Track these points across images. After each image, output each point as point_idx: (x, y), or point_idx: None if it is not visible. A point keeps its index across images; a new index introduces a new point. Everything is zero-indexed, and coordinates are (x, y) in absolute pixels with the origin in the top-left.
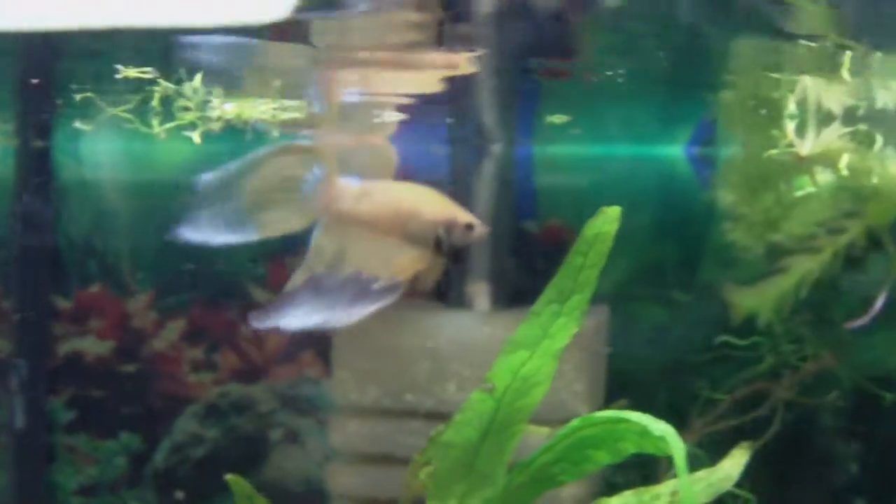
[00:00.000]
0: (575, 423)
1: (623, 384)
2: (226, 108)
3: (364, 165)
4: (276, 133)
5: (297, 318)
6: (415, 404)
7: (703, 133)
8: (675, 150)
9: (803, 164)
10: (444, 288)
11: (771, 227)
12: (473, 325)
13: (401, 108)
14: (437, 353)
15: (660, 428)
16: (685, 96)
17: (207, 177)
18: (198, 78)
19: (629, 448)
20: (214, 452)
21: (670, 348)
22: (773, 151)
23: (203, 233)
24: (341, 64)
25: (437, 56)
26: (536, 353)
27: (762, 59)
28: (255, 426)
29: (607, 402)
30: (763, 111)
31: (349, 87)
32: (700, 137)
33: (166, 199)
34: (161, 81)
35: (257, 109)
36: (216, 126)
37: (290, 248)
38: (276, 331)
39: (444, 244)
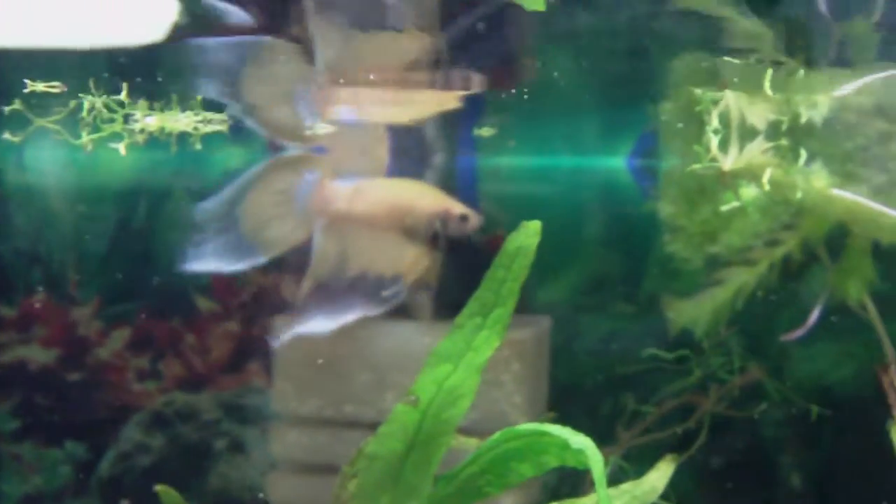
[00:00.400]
0: (498, 435)
1: (567, 395)
2: (147, 121)
3: (355, 166)
4: (198, 146)
5: (317, 325)
6: (355, 415)
7: (644, 145)
8: (618, 162)
9: (725, 179)
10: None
11: (709, 238)
12: (414, 335)
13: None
14: (377, 363)
15: (579, 441)
16: (627, 108)
17: (204, 206)
18: (123, 91)
19: (552, 461)
20: (159, 461)
21: (614, 359)
22: (696, 166)
23: (210, 263)
24: (340, 80)
25: (432, 94)
26: (460, 366)
27: (696, 73)
28: (200, 435)
29: (550, 413)
30: (696, 124)
31: (343, 106)
32: (642, 149)
33: (110, 207)
34: (90, 94)
35: (180, 122)
36: (140, 138)
37: None
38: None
39: (440, 236)
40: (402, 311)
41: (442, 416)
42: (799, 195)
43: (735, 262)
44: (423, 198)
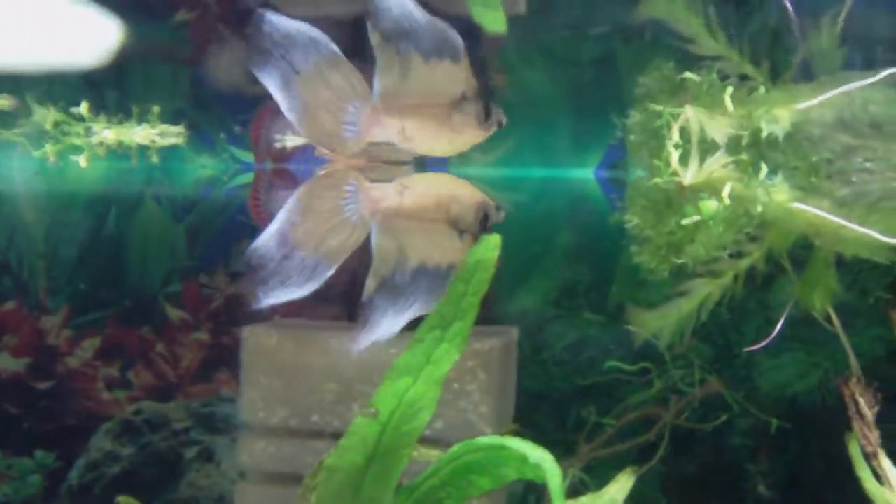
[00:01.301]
0: (457, 448)
1: (535, 405)
2: (105, 135)
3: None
4: (155, 158)
5: (388, 324)
6: (321, 425)
7: (613, 156)
8: (587, 173)
9: (685, 193)
10: (353, 307)
11: (675, 250)
12: (381, 346)
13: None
14: (344, 373)
15: (537, 455)
16: (596, 119)
17: (254, 248)
18: (84, 105)
19: (511, 474)
20: (129, 470)
21: (582, 369)
22: (657, 180)
23: (282, 294)
24: (391, 108)
25: (472, 130)
26: (420, 379)
27: (664, 87)
28: (170, 444)
29: (517, 423)
30: (660, 138)
31: (388, 131)
32: (610, 160)
33: (81, 215)
34: (48, 107)
35: (137, 135)
36: (100, 151)
37: (203, 266)
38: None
39: (489, 222)
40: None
41: (402, 429)
42: (759, 209)
43: (701, 273)
44: (464, 188)
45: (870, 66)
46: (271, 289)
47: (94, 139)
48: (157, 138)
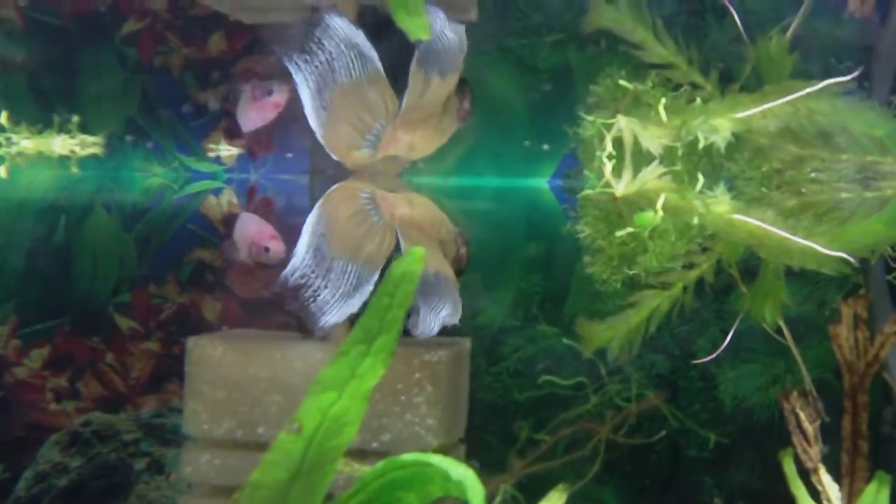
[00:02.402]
0: (382, 464)
1: (488, 418)
2: (24, 144)
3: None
4: (74, 168)
5: (428, 323)
6: (267, 437)
7: (567, 165)
8: (541, 182)
9: (618, 205)
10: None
11: (627, 261)
12: (327, 357)
13: (264, 140)
14: (290, 384)
15: (459, 472)
16: (552, 128)
17: (293, 267)
18: (3, 115)
19: (437, 491)
20: (78, 482)
21: (535, 380)
22: (588, 191)
23: (339, 309)
24: (406, 124)
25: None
26: (345, 393)
27: (614, 95)
28: (119, 456)
29: (470, 435)
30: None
31: (399, 144)
32: (565, 169)
33: (29, 224)
34: None
35: (56, 145)
36: (21, 161)
37: (153, 275)
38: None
39: (461, 252)
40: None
41: (327, 445)
42: (696, 220)
43: (653, 284)
44: (443, 215)
45: (827, 76)
46: (325, 305)
47: (14, 149)
48: (77, 148)
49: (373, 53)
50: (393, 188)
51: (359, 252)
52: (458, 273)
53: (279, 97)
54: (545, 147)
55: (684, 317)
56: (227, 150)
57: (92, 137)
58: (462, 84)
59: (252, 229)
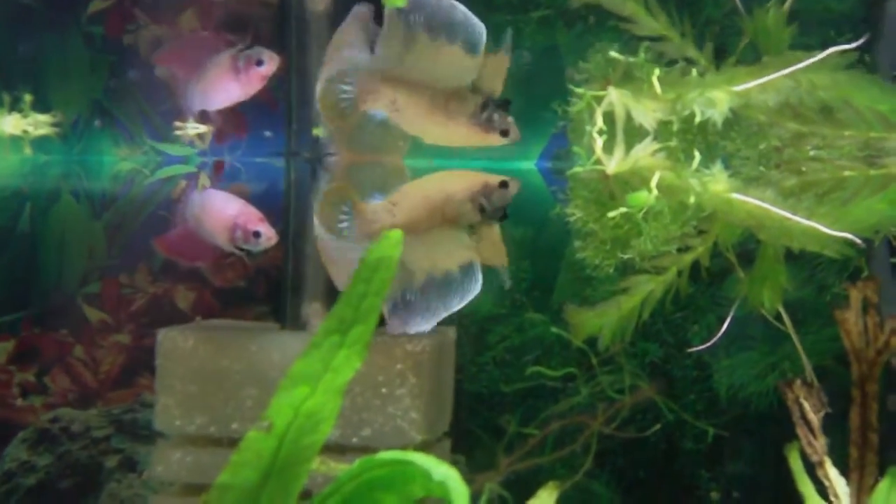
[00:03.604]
0: (359, 464)
1: (474, 410)
2: None
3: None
4: (28, 150)
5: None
6: (242, 433)
7: (556, 145)
8: (529, 164)
9: (609, 184)
10: (279, 306)
11: (621, 244)
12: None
13: (239, 120)
14: (266, 377)
15: (441, 472)
16: (540, 107)
17: None
18: None
19: (418, 491)
20: (46, 481)
21: (523, 371)
22: (577, 169)
23: None
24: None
25: (473, 130)
26: (319, 388)
27: (605, 71)
28: (90, 453)
29: (456, 428)
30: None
31: (381, 105)
32: (553, 150)
33: None
34: None
35: (7, 124)
36: None
37: (123, 264)
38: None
39: (487, 210)
40: (296, 322)
41: (301, 443)
42: (692, 200)
43: (646, 269)
44: (455, 182)
45: (826, 48)
46: None
47: None
48: (30, 128)
49: None
50: (393, 174)
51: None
52: (502, 218)
53: (269, 66)
54: (533, 127)
55: (679, 303)
56: (194, 129)
57: (44, 116)
58: (500, 100)
59: (232, 210)
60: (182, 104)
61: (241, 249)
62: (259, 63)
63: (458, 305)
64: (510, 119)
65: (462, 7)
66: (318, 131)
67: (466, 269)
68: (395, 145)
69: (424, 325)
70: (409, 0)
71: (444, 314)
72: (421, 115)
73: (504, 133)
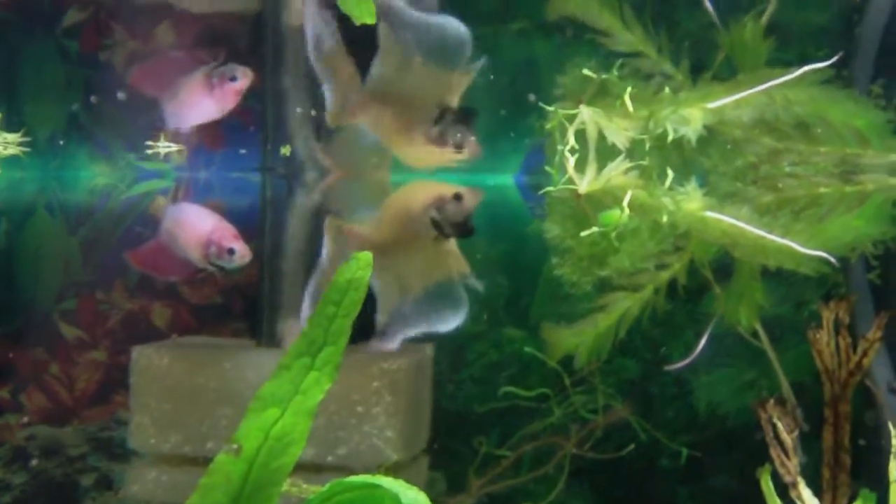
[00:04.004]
0: (328, 487)
1: (452, 427)
2: None
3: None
4: None
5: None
6: (217, 452)
7: (533, 160)
8: (506, 179)
9: (581, 203)
10: (256, 322)
11: (598, 261)
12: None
13: (215, 135)
14: (241, 395)
15: (410, 496)
16: (518, 121)
17: None
18: None
19: None
20: (22, 500)
21: (502, 387)
22: (550, 189)
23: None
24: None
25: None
26: (288, 410)
27: (582, 86)
28: (65, 471)
29: (434, 444)
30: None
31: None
32: (530, 165)
33: None
34: None
35: None
36: None
37: (100, 280)
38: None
39: (441, 224)
40: (272, 340)
41: (271, 466)
42: (665, 219)
43: (623, 286)
44: (413, 194)
45: (805, 63)
46: None
47: None
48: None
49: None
50: (378, 189)
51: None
52: (464, 234)
53: (243, 82)
54: (511, 141)
55: (657, 320)
56: (166, 147)
57: (12, 136)
58: (463, 114)
59: (206, 226)
60: (156, 122)
61: (215, 265)
62: (233, 79)
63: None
64: (468, 134)
65: (453, 21)
66: (286, 150)
67: (443, 285)
68: (376, 161)
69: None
70: (394, 14)
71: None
72: (395, 134)
73: (458, 147)
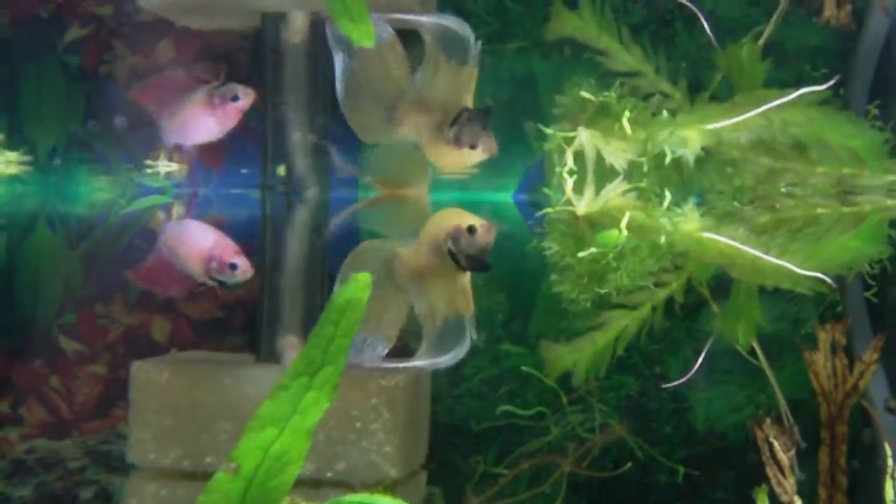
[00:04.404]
0: None
1: (451, 442)
2: None
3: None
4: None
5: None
6: (216, 466)
7: (532, 178)
8: (505, 196)
9: (580, 224)
10: (256, 337)
11: (597, 279)
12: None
13: (216, 151)
14: (240, 411)
15: None
16: (516, 139)
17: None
18: None
19: None
20: None
21: (500, 403)
22: (548, 210)
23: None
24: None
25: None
26: (286, 430)
27: (581, 106)
28: (65, 485)
29: (432, 460)
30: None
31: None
32: (529, 183)
33: None
34: None
35: None
36: None
37: (100, 294)
38: None
39: (457, 256)
40: (271, 355)
41: (269, 484)
42: (662, 240)
43: (622, 304)
44: (435, 222)
45: (802, 84)
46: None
47: None
48: (1, 167)
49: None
50: (419, 207)
51: (377, 324)
52: (480, 268)
53: (245, 101)
54: (510, 159)
55: (655, 337)
56: (166, 166)
57: (13, 154)
58: (479, 113)
59: (208, 241)
60: (158, 139)
61: (216, 281)
62: (234, 98)
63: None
64: (484, 132)
65: (453, 18)
66: (280, 170)
67: (458, 321)
68: (418, 175)
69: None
70: (434, 29)
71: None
72: (429, 140)
73: (473, 147)
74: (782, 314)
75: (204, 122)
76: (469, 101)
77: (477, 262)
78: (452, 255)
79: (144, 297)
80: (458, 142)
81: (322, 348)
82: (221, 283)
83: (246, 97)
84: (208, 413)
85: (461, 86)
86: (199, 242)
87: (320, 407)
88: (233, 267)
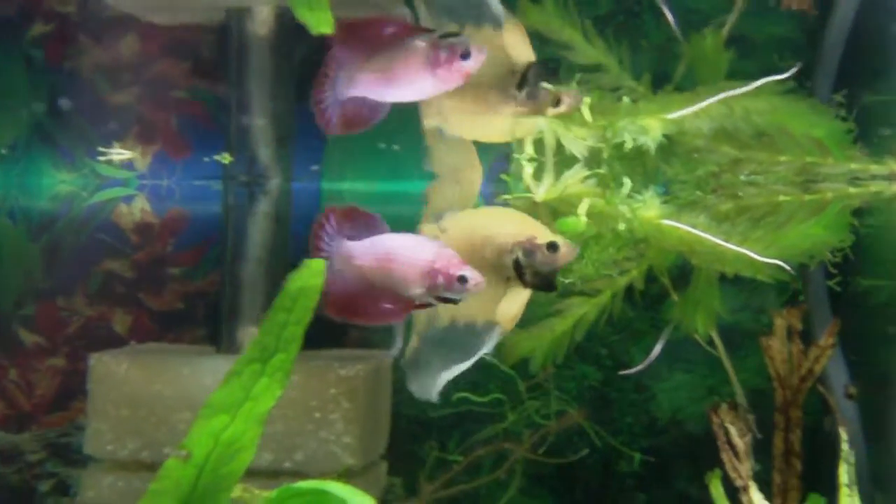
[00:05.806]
0: (277, 493)
1: (413, 433)
2: None
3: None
4: None
5: (432, 378)
6: None
7: (497, 170)
8: None
9: (539, 211)
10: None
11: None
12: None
13: (175, 143)
14: (198, 402)
15: (358, 501)
16: None
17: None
18: None
19: None
20: None
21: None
22: (506, 197)
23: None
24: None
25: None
26: (238, 416)
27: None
28: (23, 477)
29: (394, 450)
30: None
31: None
32: (495, 173)
33: None
34: None
35: None
36: None
37: (60, 287)
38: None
39: (525, 269)
40: (232, 346)
41: (220, 471)
42: (622, 226)
43: (582, 291)
44: (504, 226)
45: (768, 74)
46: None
47: None
48: None
49: None
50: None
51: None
52: (546, 288)
53: (477, 60)
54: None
55: (617, 327)
56: (119, 154)
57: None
58: (541, 66)
59: (427, 254)
60: (338, 90)
61: (442, 299)
62: (464, 56)
63: (462, 362)
64: (560, 85)
65: None
66: (225, 157)
67: (489, 329)
68: (465, 161)
69: (447, 367)
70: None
71: (463, 365)
72: (466, 116)
73: (556, 103)
74: (745, 304)
75: (420, 80)
76: (528, 57)
77: (545, 282)
78: (517, 267)
79: (105, 289)
80: (534, 101)
81: (275, 335)
82: (447, 300)
83: (480, 54)
84: (167, 404)
85: (510, 47)
86: (411, 258)
87: (273, 394)
88: (462, 280)
